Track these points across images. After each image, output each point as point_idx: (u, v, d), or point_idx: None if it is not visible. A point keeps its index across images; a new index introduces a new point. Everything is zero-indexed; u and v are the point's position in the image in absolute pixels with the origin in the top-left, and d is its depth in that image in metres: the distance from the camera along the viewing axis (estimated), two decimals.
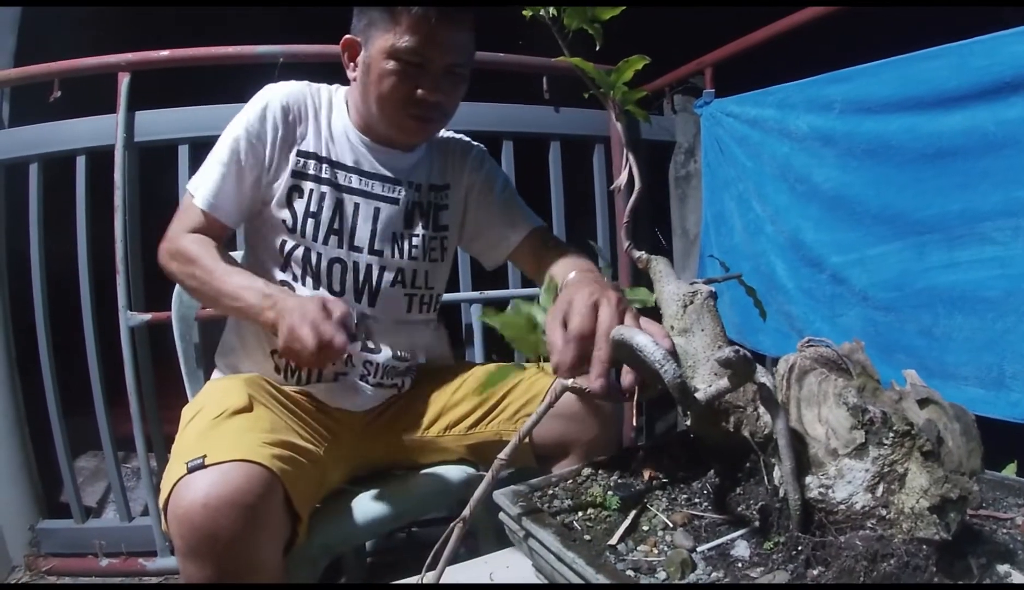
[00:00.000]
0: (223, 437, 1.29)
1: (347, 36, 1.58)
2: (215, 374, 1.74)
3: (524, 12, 1.15)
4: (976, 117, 1.74)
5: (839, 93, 2.10)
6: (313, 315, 1.25)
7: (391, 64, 1.48)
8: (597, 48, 1.16)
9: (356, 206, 1.63)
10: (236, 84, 1.77)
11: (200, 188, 1.55)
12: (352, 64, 1.60)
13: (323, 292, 1.58)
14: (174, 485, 1.17)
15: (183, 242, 1.52)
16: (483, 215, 1.79)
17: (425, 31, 1.45)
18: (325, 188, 1.60)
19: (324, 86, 1.70)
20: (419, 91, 1.51)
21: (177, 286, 1.84)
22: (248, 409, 1.43)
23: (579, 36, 1.16)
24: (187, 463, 1.17)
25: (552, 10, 1.14)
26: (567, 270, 1.54)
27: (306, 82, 1.67)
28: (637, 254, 1.20)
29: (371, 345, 1.27)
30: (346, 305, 1.32)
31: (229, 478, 1.15)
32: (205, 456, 1.18)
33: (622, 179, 1.19)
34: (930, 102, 1.84)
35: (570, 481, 1.10)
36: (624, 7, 1.13)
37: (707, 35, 2.69)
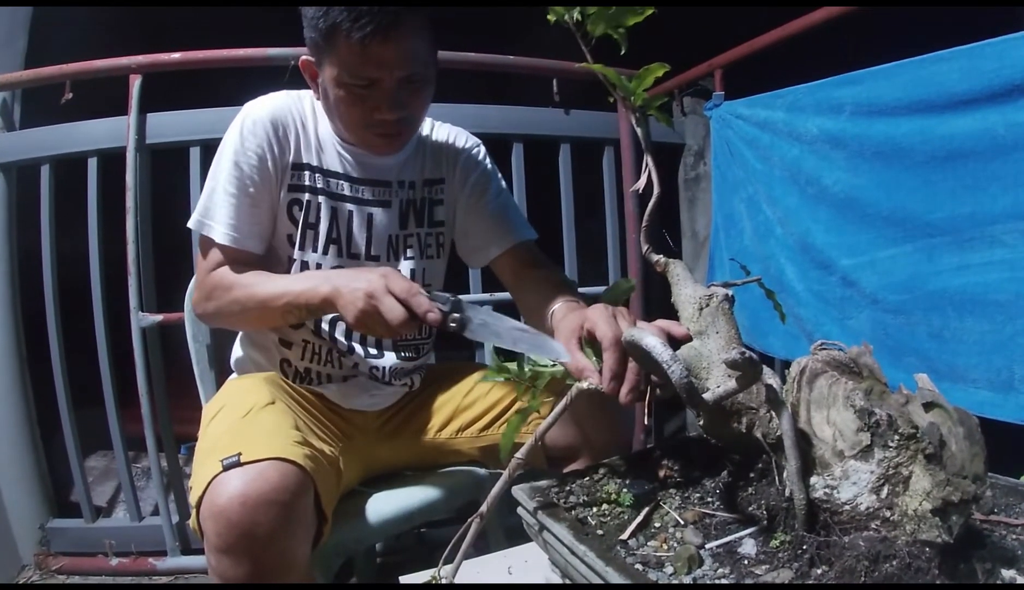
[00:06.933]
0: (256, 435, 1.29)
1: (303, 58, 1.51)
2: (233, 375, 1.75)
3: (548, 16, 1.15)
4: (987, 120, 1.73)
5: (849, 96, 2.10)
6: (398, 286, 1.23)
7: (342, 91, 1.42)
8: (623, 52, 1.16)
9: (350, 214, 1.61)
10: (248, 86, 1.77)
11: (216, 224, 1.50)
12: (314, 84, 1.53)
13: None
14: (209, 482, 1.17)
15: (214, 277, 1.50)
16: (471, 219, 1.74)
17: (364, 54, 1.35)
18: (321, 198, 1.58)
19: (305, 93, 1.64)
20: (376, 113, 1.45)
21: (189, 291, 1.85)
22: (273, 406, 1.44)
23: (596, 40, 1.16)
24: (222, 460, 1.17)
25: (576, 15, 1.14)
26: (548, 298, 1.50)
27: (285, 92, 1.62)
28: (655, 257, 1.20)
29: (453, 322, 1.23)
30: (405, 277, 1.28)
31: (266, 476, 1.16)
32: (240, 454, 1.18)
33: (641, 182, 1.19)
34: (940, 105, 1.84)
35: (586, 478, 1.13)
36: (651, 11, 1.13)
37: (717, 37, 2.69)
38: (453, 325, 1.20)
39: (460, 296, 1.23)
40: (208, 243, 1.52)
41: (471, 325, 1.20)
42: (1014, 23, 1.69)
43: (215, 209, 1.51)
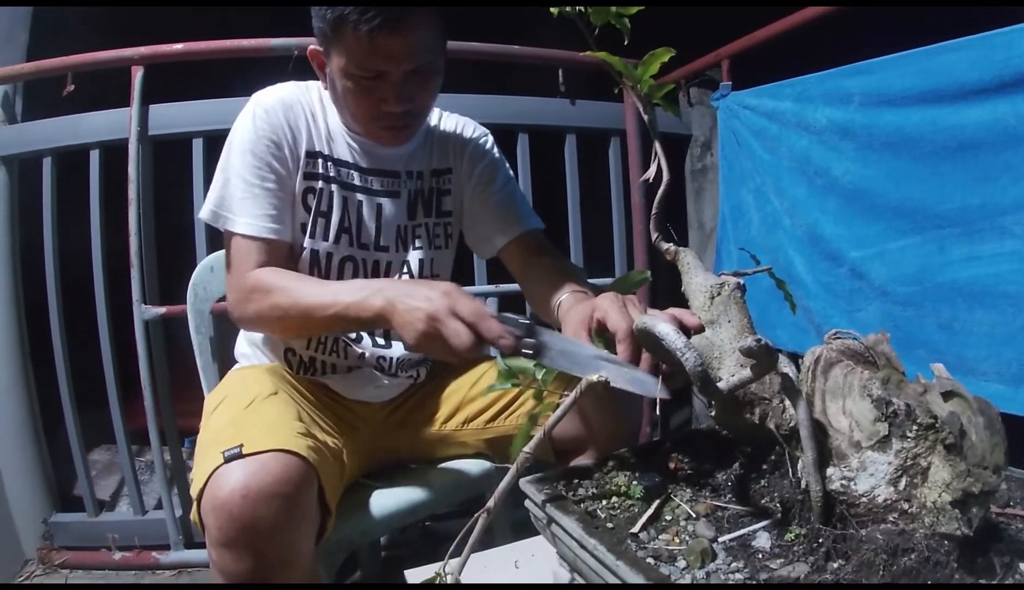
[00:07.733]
0: (258, 426, 1.28)
1: (311, 48, 1.49)
2: (236, 365, 1.74)
3: (551, 9, 1.14)
4: (997, 110, 1.72)
5: (858, 85, 2.09)
6: (466, 308, 1.16)
7: (349, 82, 1.41)
8: (626, 42, 1.15)
9: (360, 203, 1.60)
10: (250, 78, 1.76)
11: (237, 216, 1.47)
12: (322, 73, 1.51)
13: None
14: (211, 474, 1.15)
15: (252, 279, 1.44)
16: (477, 209, 1.74)
17: (371, 47, 1.34)
18: (333, 187, 1.57)
19: (313, 84, 1.62)
20: (383, 105, 1.44)
21: (192, 283, 1.84)
22: (275, 397, 1.43)
23: (601, 29, 1.15)
24: (224, 452, 1.15)
25: (578, 8, 1.13)
26: (556, 287, 1.45)
27: (294, 82, 1.61)
28: (665, 246, 1.19)
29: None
30: (471, 296, 1.21)
31: (268, 468, 1.14)
32: (242, 445, 1.16)
33: (651, 172, 1.18)
34: (950, 95, 1.82)
35: (595, 471, 1.12)
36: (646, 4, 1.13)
37: (724, 27, 2.67)
38: (528, 352, 1.11)
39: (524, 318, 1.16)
40: (234, 239, 1.49)
41: (549, 352, 1.11)
42: (1011, 20, 1.68)
43: (232, 200, 1.48)
